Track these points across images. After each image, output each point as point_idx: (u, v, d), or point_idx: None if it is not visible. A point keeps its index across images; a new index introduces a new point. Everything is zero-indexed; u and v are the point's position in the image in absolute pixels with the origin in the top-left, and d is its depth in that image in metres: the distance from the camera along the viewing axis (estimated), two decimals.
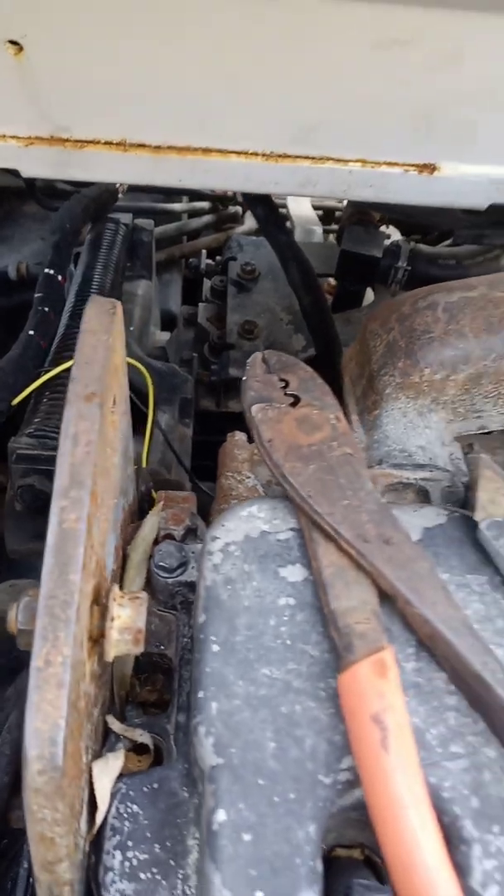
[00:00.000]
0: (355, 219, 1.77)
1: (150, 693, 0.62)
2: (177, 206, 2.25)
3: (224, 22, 0.85)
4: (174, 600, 0.61)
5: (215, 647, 0.48)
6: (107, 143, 0.98)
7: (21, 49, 0.86)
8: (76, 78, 0.90)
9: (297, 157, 1.00)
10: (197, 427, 1.60)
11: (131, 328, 1.68)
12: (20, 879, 0.71)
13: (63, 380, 1.29)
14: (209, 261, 1.95)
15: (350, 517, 0.51)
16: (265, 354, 0.63)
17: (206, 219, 2.33)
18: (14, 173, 1.02)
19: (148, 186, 1.97)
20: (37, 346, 1.27)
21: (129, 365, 1.42)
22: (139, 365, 1.36)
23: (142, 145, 0.98)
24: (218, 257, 1.96)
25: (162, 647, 0.61)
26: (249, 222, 2.37)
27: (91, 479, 0.46)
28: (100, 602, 0.48)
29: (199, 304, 1.86)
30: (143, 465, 1.29)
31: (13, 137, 0.97)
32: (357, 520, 0.51)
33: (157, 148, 0.98)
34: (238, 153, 0.99)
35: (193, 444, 1.50)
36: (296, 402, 0.59)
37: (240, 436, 0.87)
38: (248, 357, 1.70)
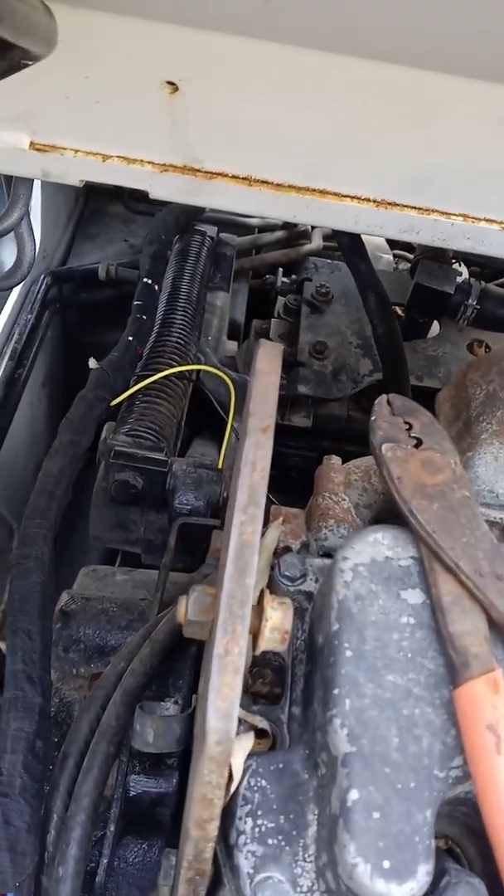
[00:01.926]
0: (430, 254, 1.84)
1: (262, 686, 0.70)
2: (252, 221, 2.34)
3: (357, 87, 0.93)
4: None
5: (348, 653, 0.56)
6: (233, 176, 1.06)
7: (176, 89, 0.95)
8: (218, 118, 0.99)
9: (405, 206, 1.08)
10: None
11: (209, 337, 1.77)
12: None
13: (154, 385, 1.38)
14: (284, 279, 2.03)
15: (468, 553, 0.59)
16: (390, 398, 0.71)
17: (278, 234, 2.41)
18: (142, 194, 1.11)
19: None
20: (134, 351, 1.36)
21: (210, 373, 1.51)
22: (224, 375, 1.45)
23: (265, 182, 1.07)
24: (293, 276, 2.04)
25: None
26: (317, 240, 2.45)
27: (264, 499, 0.54)
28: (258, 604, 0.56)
29: (272, 319, 1.94)
30: (219, 467, 1.38)
31: (149, 163, 1.06)
32: (474, 556, 0.59)
33: (279, 185, 1.07)
34: (352, 197, 1.07)
35: None
36: (419, 443, 0.67)
37: (335, 459, 0.95)
38: (316, 375, 1.78)
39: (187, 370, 1.41)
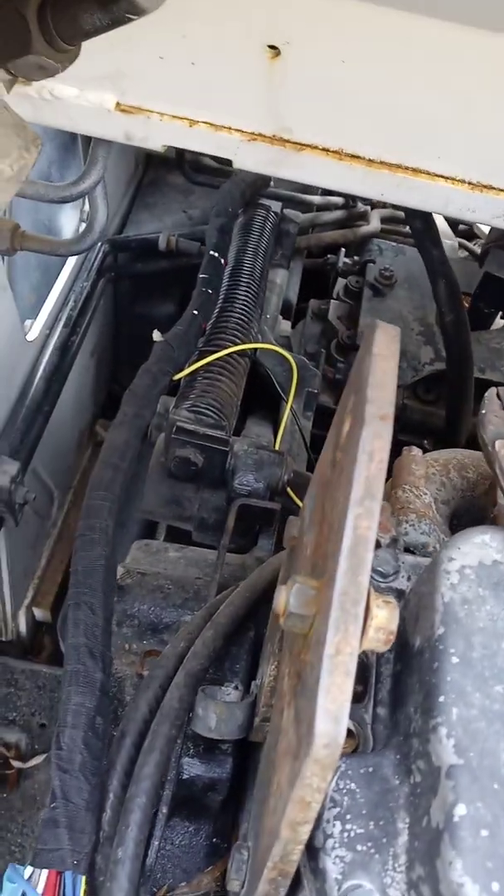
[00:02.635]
0: (501, 243, 1.78)
1: None
2: (315, 199, 2.29)
3: (471, 60, 0.88)
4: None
5: (455, 659, 0.53)
6: (324, 149, 1.02)
7: (278, 54, 0.91)
8: (316, 87, 0.95)
9: (502, 189, 1.03)
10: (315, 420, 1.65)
11: (268, 315, 1.73)
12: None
13: (216, 362, 1.35)
14: (346, 259, 1.98)
15: None
16: (499, 391, 0.67)
17: (337, 214, 2.36)
18: (225, 162, 1.08)
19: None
20: (198, 325, 1.33)
21: (271, 351, 1.48)
22: (287, 355, 1.41)
23: (357, 156, 1.02)
24: (356, 257, 1.99)
25: None
26: (375, 222, 2.39)
27: (382, 493, 0.51)
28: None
29: (331, 301, 1.90)
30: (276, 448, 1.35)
31: (238, 130, 1.02)
32: None
33: (371, 161, 1.02)
34: (446, 178, 1.03)
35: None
36: None
37: (416, 451, 0.92)
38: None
39: (249, 349, 1.38)
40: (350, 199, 2.37)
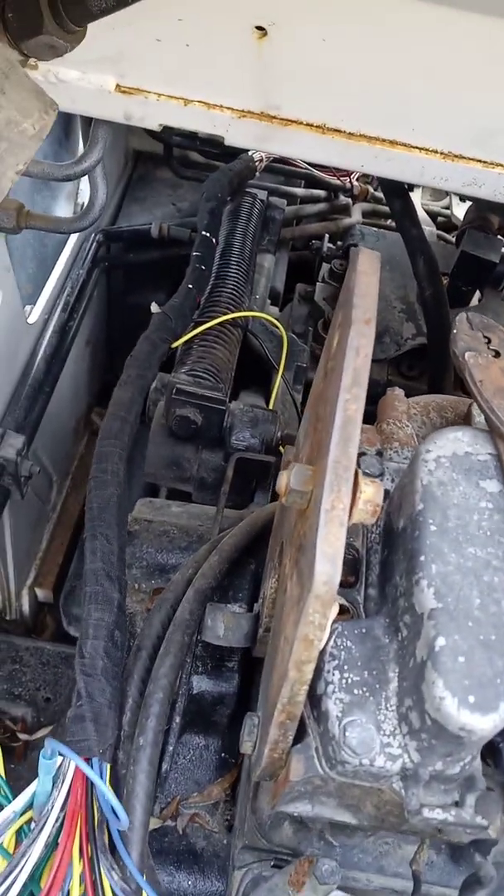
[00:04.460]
0: (476, 224, 1.88)
1: None
2: (298, 191, 2.39)
3: (437, 36, 0.98)
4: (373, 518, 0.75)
5: (433, 528, 0.62)
6: (308, 124, 1.12)
7: (265, 34, 1.00)
8: (300, 65, 1.04)
9: (471, 159, 1.13)
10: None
11: (256, 296, 1.82)
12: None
13: (211, 332, 1.44)
14: (330, 244, 2.08)
15: None
16: (468, 315, 0.76)
17: (321, 206, 2.46)
18: (217, 140, 1.17)
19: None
20: (193, 298, 1.41)
21: (262, 328, 1.57)
22: (277, 323, 1.50)
23: (338, 130, 1.12)
24: (339, 242, 2.09)
25: (352, 539, 0.75)
26: (357, 215, 2.50)
27: (367, 381, 0.60)
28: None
29: (318, 283, 1.99)
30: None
31: (229, 108, 1.12)
32: None
33: (351, 134, 1.12)
34: (420, 148, 1.12)
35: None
36: (497, 354, 0.72)
37: (398, 391, 1.01)
38: None
39: (242, 316, 1.47)
40: (332, 192, 2.47)
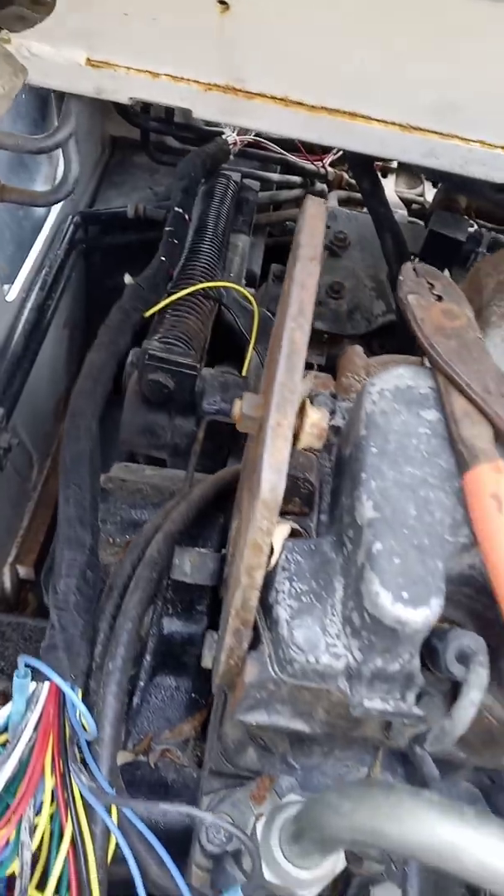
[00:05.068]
0: (444, 204, 1.94)
1: (292, 508, 0.81)
2: (274, 176, 2.44)
3: (392, 8, 1.03)
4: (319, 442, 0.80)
5: (374, 450, 0.67)
6: (272, 97, 1.17)
7: (228, 8, 1.05)
8: (261, 39, 1.09)
9: (429, 131, 1.18)
10: None
11: (231, 274, 1.87)
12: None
13: (183, 302, 1.48)
14: None
15: (479, 377, 0.70)
16: (414, 265, 0.82)
17: (296, 192, 2.51)
18: (186, 112, 1.21)
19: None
20: (166, 270, 1.46)
21: (240, 294, 1.61)
22: (248, 293, 1.55)
23: (300, 103, 1.17)
24: None
25: (306, 474, 0.80)
26: (332, 201, 2.55)
27: (311, 313, 0.65)
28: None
29: None
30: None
31: (195, 82, 1.17)
32: (483, 379, 0.70)
33: (313, 107, 1.17)
34: (380, 121, 1.18)
35: None
36: (439, 299, 0.77)
37: (358, 347, 1.06)
38: (333, 313, 1.89)
39: (215, 286, 1.52)
40: (309, 179, 2.53)
